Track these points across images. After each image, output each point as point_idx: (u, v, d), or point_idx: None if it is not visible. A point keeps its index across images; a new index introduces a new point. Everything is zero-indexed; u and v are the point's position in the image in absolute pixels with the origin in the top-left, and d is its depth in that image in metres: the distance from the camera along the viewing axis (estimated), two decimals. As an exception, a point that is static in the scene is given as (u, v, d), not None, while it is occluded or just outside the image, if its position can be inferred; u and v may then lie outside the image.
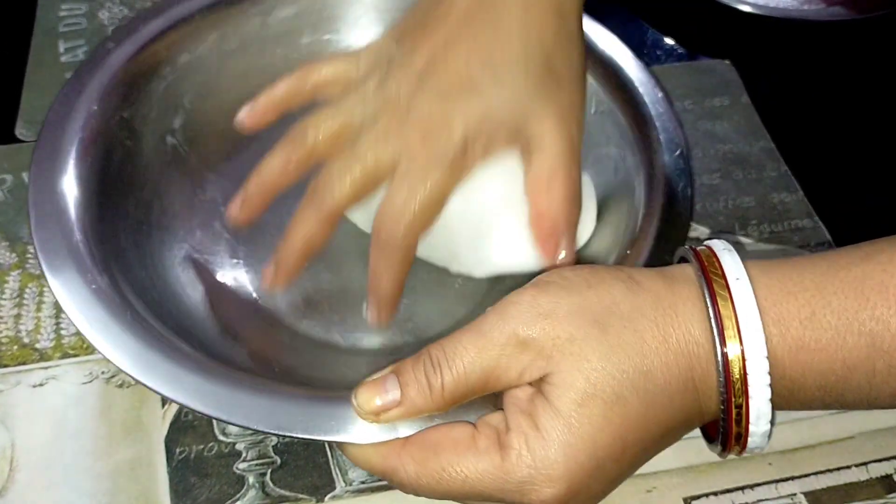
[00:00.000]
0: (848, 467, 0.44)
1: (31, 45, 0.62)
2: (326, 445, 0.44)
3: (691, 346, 0.32)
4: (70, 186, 0.42)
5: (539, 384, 0.33)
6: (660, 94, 0.49)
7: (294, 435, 0.35)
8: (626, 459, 0.33)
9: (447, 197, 0.41)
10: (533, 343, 0.33)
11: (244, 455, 0.43)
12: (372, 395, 0.34)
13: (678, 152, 0.46)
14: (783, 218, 0.55)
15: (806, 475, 0.44)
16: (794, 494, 0.43)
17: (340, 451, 0.42)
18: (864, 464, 0.44)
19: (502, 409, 0.34)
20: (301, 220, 0.42)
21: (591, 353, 0.32)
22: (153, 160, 0.47)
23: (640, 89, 0.49)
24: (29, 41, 0.62)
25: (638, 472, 0.42)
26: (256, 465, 0.43)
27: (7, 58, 0.61)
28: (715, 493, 0.43)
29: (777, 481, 0.43)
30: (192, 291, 0.45)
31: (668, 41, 0.66)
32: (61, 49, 0.62)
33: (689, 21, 0.67)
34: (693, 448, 0.44)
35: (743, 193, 0.56)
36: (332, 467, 0.43)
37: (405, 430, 0.34)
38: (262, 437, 0.44)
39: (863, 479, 0.44)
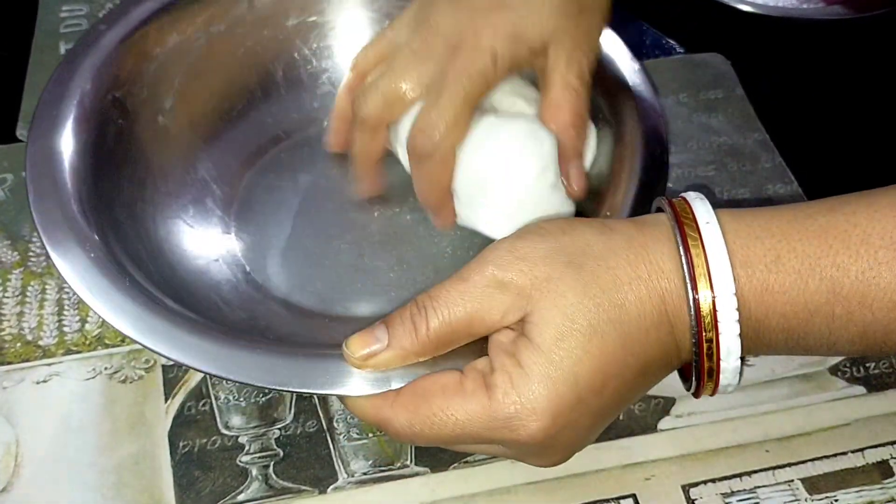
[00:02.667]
0: (844, 453, 0.44)
1: (32, 46, 0.62)
2: (328, 437, 0.44)
3: (663, 281, 0.34)
4: (66, 162, 0.43)
5: (520, 325, 0.34)
6: (636, 66, 0.50)
7: (290, 389, 0.36)
8: (607, 393, 0.34)
9: (475, 106, 0.43)
10: (512, 284, 0.34)
11: (247, 448, 0.44)
12: (361, 342, 0.35)
13: (654, 119, 0.47)
14: (778, 208, 0.55)
15: (803, 461, 0.44)
16: (792, 481, 0.43)
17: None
18: (861, 450, 0.45)
19: (488, 355, 0.35)
20: (353, 139, 0.46)
21: (568, 290, 0.34)
22: (145, 139, 0.48)
23: (617, 62, 0.50)
24: (30, 42, 0.63)
25: (636, 460, 0.44)
26: (259, 457, 0.44)
27: (8, 59, 0.62)
28: (713, 480, 0.43)
29: (774, 468, 0.44)
30: (186, 262, 0.46)
31: (668, 41, 0.66)
32: (62, 50, 0.62)
33: (689, 21, 0.67)
34: (691, 436, 0.45)
35: (738, 185, 0.56)
36: (334, 459, 0.44)
37: (397, 382, 0.35)
38: (265, 430, 0.44)
39: (859, 464, 0.44)
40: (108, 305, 0.38)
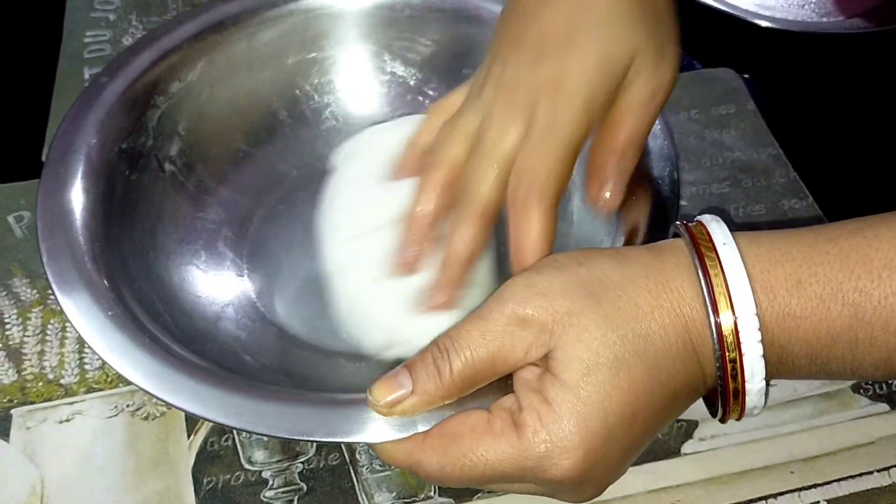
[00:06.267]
0: (870, 473, 0.44)
1: (56, 72, 0.63)
2: (351, 471, 0.44)
3: (685, 308, 0.34)
4: (77, 219, 0.43)
5: (545, 361, 0.34)
6: None
7: (316, 439, 0.36)
8: (637, 426, 0.34)
9: (578, 150, 0.39)
10: (533, 320, 0.34)
11: (271, 483, 0.44)
12: (385, 389, 0.35)
13: (663, 138, 0.47)
14: (794, 224, 0.55)
15: (828, 482, 0.44)
16: (818, 502, 0.43)
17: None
18: (886, 469, 0.44)
19: (514, 393, 0.35)
20: (459, 231, 0.40)
21: (590, 323, 0.33)
22: (154, 187, 0.48)
23: None
24: (54, 68, 0.63)
25: (662, 485, 0.44)
26: (283, 492, 0.44)
27: (33, 84, 0.62)
28: (739, 504, 0.43)
29: (800, 489, 0.44)
30: (201, 309, 0.46)
31: (686, 56, 0.66)
32: (86, 75, 0.63)
33: (708, 37, 0.67)
34: (715, 459, 0.45)
35: (753, 201, 0.56)
36: (358, 492, 0.44)
37: (423, 425, 0.35)
38: (288, 464, 0.44)
39: (885, 484, 0.44)
40: (129, 363, 0.38)
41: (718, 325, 0.33)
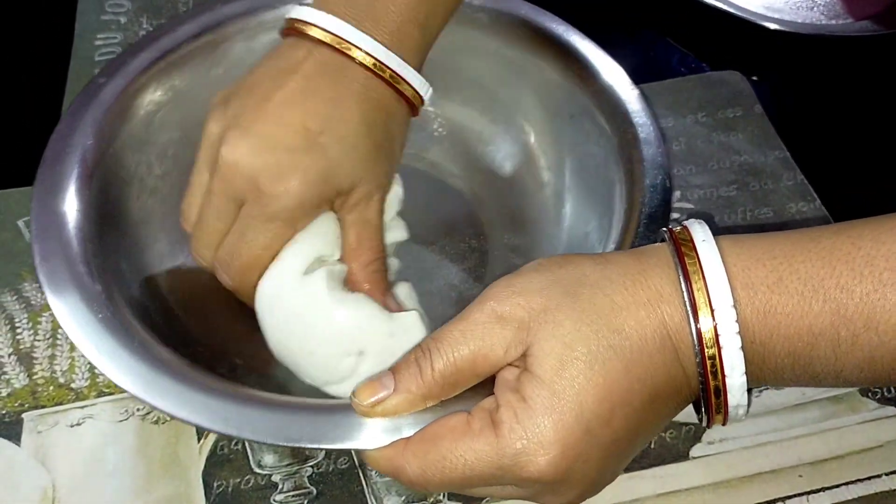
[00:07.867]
0: (878, 476, 0.44)
1: (68, 74, 0.63)
2: (361, 474, 0.44)
3: (663, 304, 0.34)
4: (71, 220, 0.43)
5: (523, 360, 0.34)
6: (635, 92, 0.50)
7: (302, 445, 0.36)
8: (616, 423, 0.34)
9: (279, 248, 0.42)
10: (511, 318, 0.34)
11: (280, 487, 0.44)
12: (369, 391, 0.35)
13: (656, 146, 0.47)
14: (801, 227, 0.55)
15: (837, 486, 0.44)
16: (826, 505, 0.43)
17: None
18: (895, 472, 0.44)
19: (494, 394, 0.35)
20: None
21: (565, 319, 0.34)
22: (149, 189, 0.48)
23: (616, 88, 0.50)
24: (66, 70, 0.63)
25: (670, 489, 0.44)
26: (293, 496, 0.44)
27: (44, 88, 0.63)
28: (747, 508, 0.43)
29: (808, 493, 0.44)
30: (192, 312, 0.46)
31: (695, 60, 0.66)
32: (98, 77, 0.63)
33: (715, 40, 0.67)
34: (723, 463, 0.45)
35: (760, 204, 0.56)
36: (367, 496, 0.44)
37: (408, 430, 0.35)
38: (298, 468, 0.45)
39: (893, 487, 0.44)
40: (117, 366, 0.38)
41: (696, 320, 0.33)
